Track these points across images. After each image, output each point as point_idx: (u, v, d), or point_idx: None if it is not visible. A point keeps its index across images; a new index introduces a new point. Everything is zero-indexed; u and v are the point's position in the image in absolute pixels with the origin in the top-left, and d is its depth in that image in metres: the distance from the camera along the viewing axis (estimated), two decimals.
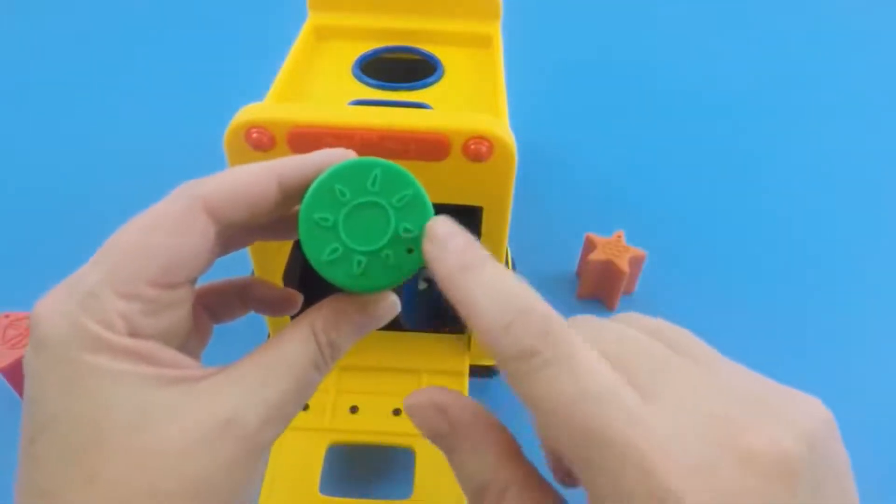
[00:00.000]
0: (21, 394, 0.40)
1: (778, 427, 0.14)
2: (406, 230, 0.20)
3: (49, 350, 0.18)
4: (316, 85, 0.38)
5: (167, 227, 0.19)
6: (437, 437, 0.19)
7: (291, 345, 0.20)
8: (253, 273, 0.36)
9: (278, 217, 0.22)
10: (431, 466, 0.35)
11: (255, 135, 0.29)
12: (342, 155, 0.21)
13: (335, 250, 0.20)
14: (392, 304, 0.21)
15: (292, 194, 0.21)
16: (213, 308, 0.25)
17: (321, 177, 0.20)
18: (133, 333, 0.18)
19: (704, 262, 0.54)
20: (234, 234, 0.22)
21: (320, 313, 0.21)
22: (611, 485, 0.14)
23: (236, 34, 0.86)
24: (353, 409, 0.37)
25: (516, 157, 0.30)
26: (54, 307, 0.18)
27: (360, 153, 0.30)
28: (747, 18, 0.94)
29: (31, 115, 0.69)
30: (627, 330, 0.19)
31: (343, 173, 0.20)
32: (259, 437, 0.18)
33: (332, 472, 0.36)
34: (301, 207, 0.20)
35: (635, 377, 0.16)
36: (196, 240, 0.20)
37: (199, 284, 0.23)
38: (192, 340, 0.22)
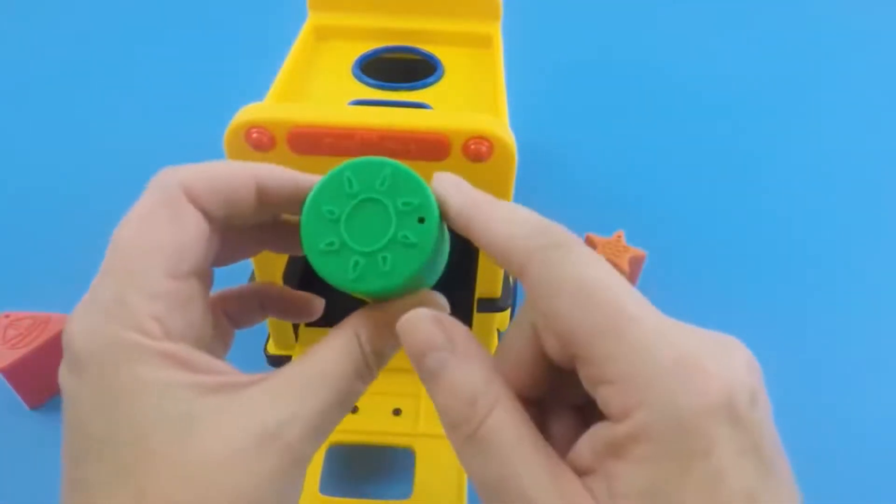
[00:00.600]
0: (21, 394, 0.40)
1: (731, 365, 0.16)
2: (405, 203, 0.19)
3: (86, 368, 0.18)
4: (316, 85, 0.38)
5: (160, 219, 0.19)
6: (431, 352, 0.18)
7: (335, 355, 0.20)
8: (253, 273, 0.36)
9: (276, 225, 0.23)
10: (431, 466, 0.35)
11: (255, 135, 0.29)
12: (311, 178, 0.21)
13: (357, 264, 0.19)
14: (445, 306, 0.21)
15: (271, 200, 0.21)
16: (232, 313, 0.24)
17: (304, 210, 0.20)
18: (167, 336, 0.18)
19: (704, 262, 0.54)
20: (234, 237, 0.22)
21: (365, 322, 0.20)
22: (616, 349, 0.16)
23: (236, 34, 0.86)
24: (354, 409, 0.37)
25: (516, 157, 0.30)
26: (84, 324, 0.18)
27: (360, 153, 0.30)
28: (748, 18, 0.94)
29: (30, 115, 0.69)
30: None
31: (322, 193, 0.20)
32: (302, 449, 0.18)
33: (332, 472, 0.36)
34: (309, 195, 0.20)
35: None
36: (191, 226, 0.19)
37: (219, 290, 0.24)
38: (215, 345, 0.22)
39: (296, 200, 0.21)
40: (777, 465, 0.16)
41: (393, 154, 0.29)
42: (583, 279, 0.17)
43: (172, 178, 0.20)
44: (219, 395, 0.18)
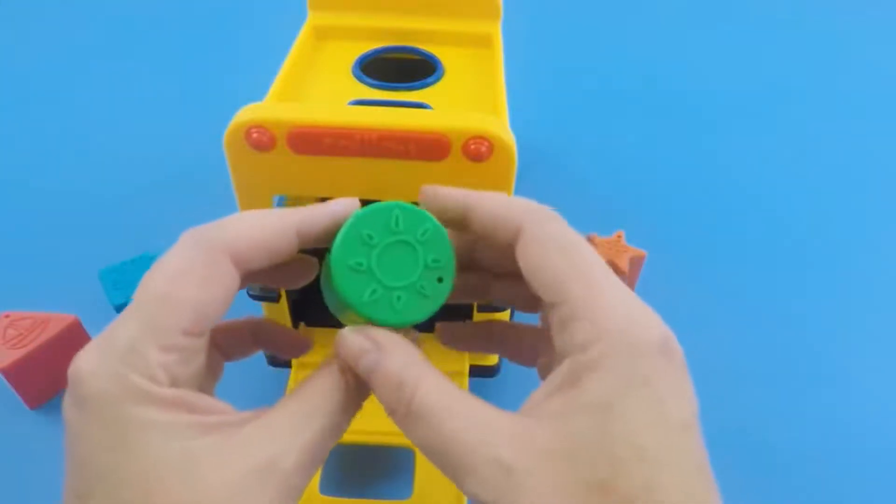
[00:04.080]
0: (21, 394, 0.40)
1: (659, 319, 0.20)
2: (434, 260, 0.22)
3: (95, 407, 0.18)
4: (316, 85, 0.38)
5: (196, 278, 0.20)
6: (362, 356, 0.21)
7: (326, 390, 0.21)
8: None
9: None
10: (431, 466, 0.35)
11: (255, 135, 0.29)
12: (352, 203, 0.23)
13: (374, 291, 0.21)
14: (414, 339, 0.23)
15: (308, 242, 0.22)
16: (226, 346, 0.25)
17: (347, 225, 0.21)
18: (173, 383, 0.19)
19: (704, 262, 0.54)
20: (249, 276, 0.23)
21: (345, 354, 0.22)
22: (589, 293, 0.20)
23: (236, 34, 0.86)
24: None
25: (516, 157, 0.30)
26: (98, 365, 0.19)
27: (360, 153, 0.30)
28: (749, 19, 0.94)
29: (31, 116, 0.69)
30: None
31: (367, 219, 0.22)
32: (296, 481, 0.19)
33: (332, 472, 0.36)
34: (332, 256, 0.21)
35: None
36: (223, 289, 0.20)
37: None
38: (206, 377, 0.22)
39: (331, 233, 0.22)
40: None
41: (393, 154, 0.29)
42: (570, 240, 0.21)
43: (218, 238, 0.21)
44: (219, 434, 0.19)
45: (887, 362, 0.46)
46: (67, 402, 0.19)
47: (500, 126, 0.29)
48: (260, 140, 0.29)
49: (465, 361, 0.40)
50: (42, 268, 0.51)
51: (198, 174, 0.60)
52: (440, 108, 0.36)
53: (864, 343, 0.48)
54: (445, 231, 0.22)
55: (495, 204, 0.22)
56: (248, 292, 0.37)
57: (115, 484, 0.18)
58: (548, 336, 0.21)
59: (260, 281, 0.25)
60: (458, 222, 0.23)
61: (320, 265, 0.22)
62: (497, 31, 0.43)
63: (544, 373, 0.25)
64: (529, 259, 0.21)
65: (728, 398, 0.43)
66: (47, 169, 0.61)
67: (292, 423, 0.20)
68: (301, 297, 0.42)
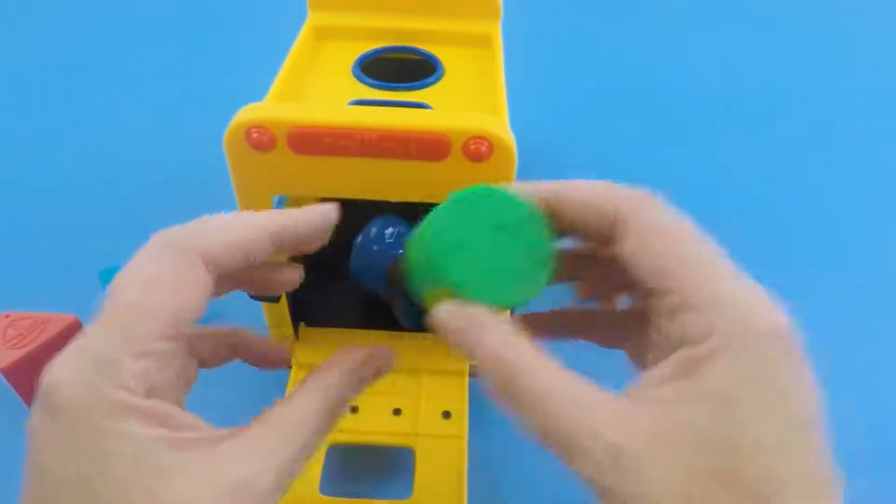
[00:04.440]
0: (21, 394, 0.40)
1: (780, 310, 0.20)
2: (533, 245, 0.22)
3: (67, 416, 0.18)
4: (316, 85, 0.38)
5: (168, 284, 0.20)
6: (461, 332, 0.21)
7: (303, 412, 0.21)
8: None
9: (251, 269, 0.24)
10: (431, 466, 0.35)
11: (255, 135, 0.29)
12: (330, 210, 0.23)
13: (475, 272, 0.21)
14: (388, 364, 0.24)
15: (286, 246, 0.23)
16: (202, 353, 0.25)
17: (446, 207, 0.22)
18: (149, 393, 0.19)
19: None
20: (228, 282, 0.23)
21: (331, 380, 0.22)
22: (704, 279, 0.20)
23: (236, 34, 0.86)
24: (354, 409, 0.37)
25: (516, 157, 0.30)
26: (71, 375, 0.19)
27: (360, 153, 0.30)
28: (749, 19, 0.94)
29: (30, 115, 0.69)
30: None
31: (465, 202, 0.22)
32: (271, 499, 0.19)
33: (332, 472, 0.36)
34: (432, 236, 0.21)
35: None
36: (197, 293, 0.20)
37: (194, 328, 0.23)
38: (180, 385, 0.22)
39: (311, 237, 0.23)
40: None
41: (393, 154, 0.29)
42: (677, 226, 0.21)
43: (190, 241, 0.21)
44: (196, 449, 0.19)
45: (889, 362, 0.46)
46: (37, 410, 0.19)
47: (500, 126, 0.29)
48: (260, 140, 0.29)
49: (465, 361, 0.40)
50: (42, 268, 0.51)
51: (198, 174, 0.60)
52: (440, 108, 0.36)
53: (866, 342, 0.48)
54: (542, 216, 0.22)
55: (588, 192, 0.22)
56: (248, 293, 0.37)
57: (80, 494, 0.18)
58: (637, 319, 0.22)
59: (242, 288, 0.25)
60: (548, 213, 0.22)
61: (312, 270, 0.22)
62: (497, 31, 0.43)
63: (635, 353, 0.24)
64: (633, 247, 0.21)
65: None
66: (47, 169, 0.61)
67: (270, 443, 0.20)
68: (301, 297, 0.42)
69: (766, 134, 0.70)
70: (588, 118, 0.72)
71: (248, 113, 0.29)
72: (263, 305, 0.38)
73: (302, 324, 0.42)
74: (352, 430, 0.37)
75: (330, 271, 0.45)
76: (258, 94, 0.34)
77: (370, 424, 0.37)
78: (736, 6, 0.97)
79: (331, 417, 0.22)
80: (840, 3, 0.98)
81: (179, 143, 0.64)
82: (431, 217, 0.22)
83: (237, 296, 0.36)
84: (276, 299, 0.37)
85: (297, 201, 0.43)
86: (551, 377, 0.19)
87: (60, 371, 0.19)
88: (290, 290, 0.26)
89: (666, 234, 0.21)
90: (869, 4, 0.97)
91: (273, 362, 0.27)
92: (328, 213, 0.23)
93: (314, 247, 0.24)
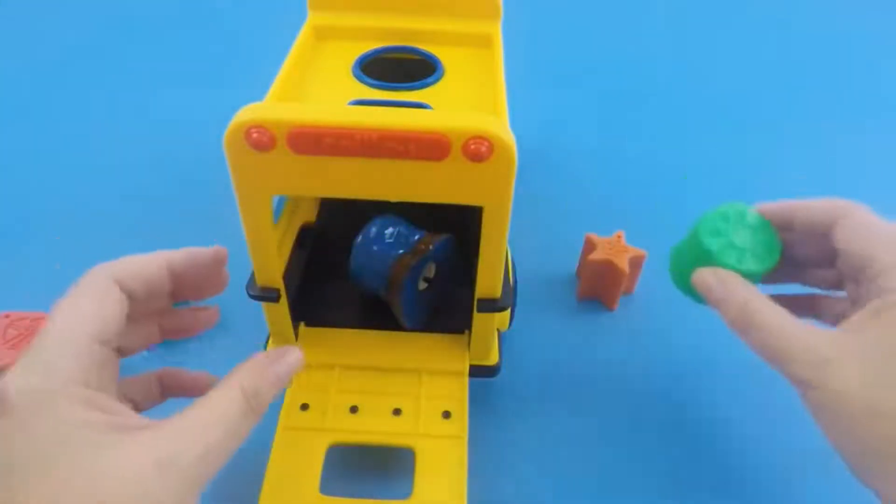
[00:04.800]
0: None
1: None
2: (766, 239, 0.34)
3: (14, 410, 0.22)
4: (316, 85, 0.38)
5: (91, 299, 0.26)
6: (716, 286, 0.33)
7: (224, 401, 0.25)
8: (251, 277, 0.37)
9: (171, 314, 0.31)
10: (431, 466, 0.35)
11: (255, 135, 0.29)
12: (220, 249, 0.30)
13: (727, 247, 0.34)
14: (297, 358, 0.29)
15: (182, 281, 0.29)
16: (136, 397, 0.30)
17: (708, 215, 0.35)
18: (86, 384, 0.24)
19: None
20: (143, 327, 0.30)
21: (246, 373, 0.27)
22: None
23: (236, 34, 0.86)
24: (354, 409, 0.37)
25: (516, 157, 0.30)
26: (18, 378, 0.23)
27: (360, 153, 0.31)
28: (749, 20, 0.94)
29: (30, 115, 0.69)
30: None
31: (718, 213, 0.35)
32: (196, 473, 0.23)
33: (332, 472, 0.36)
34: (699, 229, 0.35)
35: None
36: (115, 304, 0.26)
37: (121, 378, 0.29)
38: (116, 388, 0.27)
39: (203, 270, 0.30)
40: None
41: (393, 154, 0.29)
42: (874, 221, 0.31)
43: (106, 270, 0.27)
44: (127, 432, 0.23)
45: None
46: None
47: (500, 126, 0.29)
48: (260, 140, 0.29)
49: (465, 361, 0.40)
50: (42, 268, 0.51)
51: (198, 174, 0.60)
52: (440, 108, 0.36)
53: None
54: (769, 222, 0.35)
55: (815, 203, 0.33)
56: (248, 293, 0.37)
57: (18, 474, 0.21)
58: (849, 301, 0.32)
59: (182, 297, 0.31)
60: (783, 225, 0.34)
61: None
62: (497, 31, 0.43)
63: (835, 319, 0.34)
64: (847, 237, 0.31)
65: (729, 396, 0.43)
66: (47, 169, 0.61)
67: (194, 426, 0.24)
68: (301, 297, 0.42)
69: (766, 133, 0.70)
70: (588, 118, 0.72)
71: (248, 113, 0.29)
72: (263, 305, 0.38)
73: (302, 324, 0.42)
74: (352, 430, 0.37)
75: (330, 271, 0.45)
76: (258, 94, 0.34)
77: (370, 424, 0.37)
78: (737, 6, 0.97)
79: (252, 403, 0.26)
80: (842, 3, 0.98)
81: (179, 143, 0.65)
82: (699, 220, 0.35)
83: (238, 297, 0.36)
84: (276, 299, 0.37)
85: (297, 201, 0.43)
86: (779, 315, 0.30)
87: (9, 378, 0.23)
88: (205, 329, 0.33)
89: (865, 228, 0.31)
90: (870, 5, 0.97)
91: (198, 388, 0.31)
92: (219, 252, 0.30)
93: (211, 289, 0.31)
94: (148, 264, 0.28)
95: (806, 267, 0.36)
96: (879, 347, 0.27)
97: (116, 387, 0.27)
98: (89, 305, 0.25)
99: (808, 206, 0.33)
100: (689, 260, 0.36)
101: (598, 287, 0.49)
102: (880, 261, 0.29)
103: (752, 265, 0.33)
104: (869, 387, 0.26)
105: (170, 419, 0.24)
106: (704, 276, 0.33)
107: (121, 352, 0.29)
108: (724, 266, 0.33)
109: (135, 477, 0.22)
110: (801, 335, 0.29)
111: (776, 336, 0.29)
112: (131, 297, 0.27)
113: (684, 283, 0.36)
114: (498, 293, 0.37)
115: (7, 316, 0.41)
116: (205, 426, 0.24)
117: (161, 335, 0.31)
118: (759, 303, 0.31)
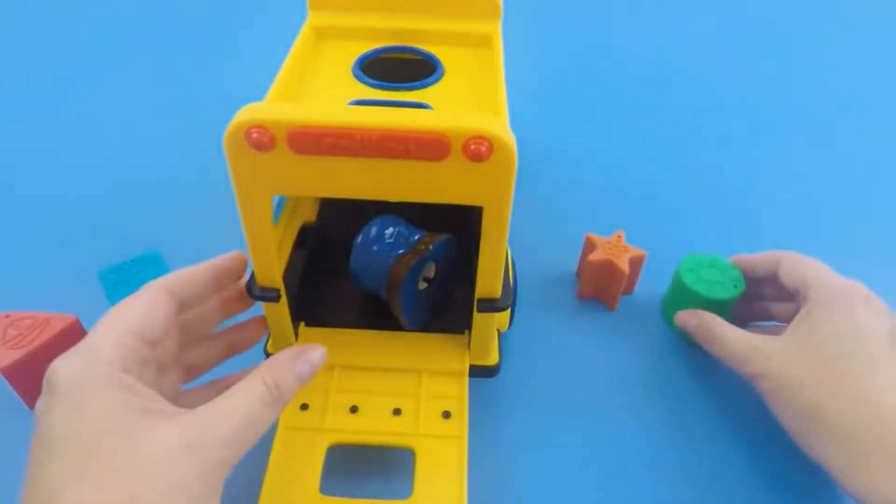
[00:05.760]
0: (21, 394, 0.40)
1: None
2: (732, 277, 0.45)
3: (61, 390, 0.25)
4: (316, 85, 0.38)
5: (140, 302, 0.30)
6: (691, 320, 0.44)
7: (245, 391, 0.28)
8: (252, 277, 0.37)
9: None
10: (431, 466, 0.35)
11: (255, 135, 0.29)
12: (240, 256, 0.36)
13: (701, 282, 0.44)
14: (319, 356, 0.32)
15: (222, 279, 0.35)
16: (193, 360, 0.36)
17: (683, 265, 0.46)
18: (126, 371, 0.27)
19: None
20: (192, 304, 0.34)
21: (268, 366, 0.30)
22: (815, 280, 0.39)
23: (236, 34, 0.86)
24: (353, 409, 0.37)
25: (516, 157, 0.30)
26: (67, 362, 0.27)
27: (360, 153, 0.31)
28: (749, 20, 0.94)
29: (30, 115, 0.69)
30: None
31: (693, 261, 0.46)
32: (220, 455, 0.26)
33: (332, 472, 0.36)
34: (680, 275, 0.45)
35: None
36: (161, 311, 0.30)
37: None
38: (156, 382, 0.31)
39: (235, 271, 0.36)
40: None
41: (393, 154, 0.29)
42: (804, 259, 0.41)
43: (159, 280, 0.32)
44: (160, 417, 0.26)
45: None
46: (40, 401, 0.26)
47: (500, 126, 0.29)
48: (260, 140, 0.29)
49: (465, 361, 0.40)
50: (42, 268, 0.51)
51: (198, 174, 0.60)
52: (440, 108, 0.36)
53: None
54: (734, 265, 0.45)
55: (765, 256, 0.43)
56: (248, 293, 0.37)
57: (71, 446, 0.24)
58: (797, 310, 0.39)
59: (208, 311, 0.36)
60: (747, 270, 0.45)
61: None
62: (497, 31, 0.43)
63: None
64: (785, 270, 0.41)
65: (730, 396, 0.43)
66: (47, 169, 0.61)
67: (217, 413, 0.27)
68: (301, 297, 0.42)
69: (766, 133, 0.70)
70: (588, 118, 0.72)
71: (248, 113, 0.29)
72: (263, 305, 0.38)
73: (302, 324, 0.42)
74: (352, 430, 0.37)
75: (330, 271, 0.45)
76: (258, 94, 0.34)
77: (370, 424, 0.37)
78: (737, 6, 0.97)
79: (273, 394, 0.29)
80: (842, 3, 0.98)
81: (180, 143, 0.65)
82: (680, 263, 0.46)
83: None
84: (276, 299, 0.37)
85: (297, 201, 0.43)
86: (734, 330, 0.40)
87: (59, 362, 0.27)
88: (252, 345, 0.38)
89: (798, 261, 0.41)
90: (871, 5, 0.97)
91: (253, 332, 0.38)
92: (238, 256, 0.36)
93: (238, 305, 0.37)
94: (194, 272, 0.33)
95: (772, 301, 0.45)
96: (803, 339, 0.36)
97: (158, 388, 0.29)
98: (136, 307, 0.30)
99: (761, 257, 0.44)
100: (672, 295, 0.47)
101: (598, 287, 0.49)
102: (810, 278, 0.39)
103: (719, 293, 0.43)
104: (797, 369, 0.35)
105: (198, 408, 0.27)
106: (682, 315, 0.44)
107: (189, 371, 0.35)
108: (697, 294, 0.43)
109: (165, 457, 0.24)
110: (751, 342, 0.38)
111: (732, 345, 0.39)
112: (182, 302, 0.32)
113: (673, 323, 0.46)
114: (498, 293, 0.37)
115: (7, 316, 0.41)
116: (228, 413, 0.27)
117: (227, 352, 0.37)
118: (718, 324, 0.41)
